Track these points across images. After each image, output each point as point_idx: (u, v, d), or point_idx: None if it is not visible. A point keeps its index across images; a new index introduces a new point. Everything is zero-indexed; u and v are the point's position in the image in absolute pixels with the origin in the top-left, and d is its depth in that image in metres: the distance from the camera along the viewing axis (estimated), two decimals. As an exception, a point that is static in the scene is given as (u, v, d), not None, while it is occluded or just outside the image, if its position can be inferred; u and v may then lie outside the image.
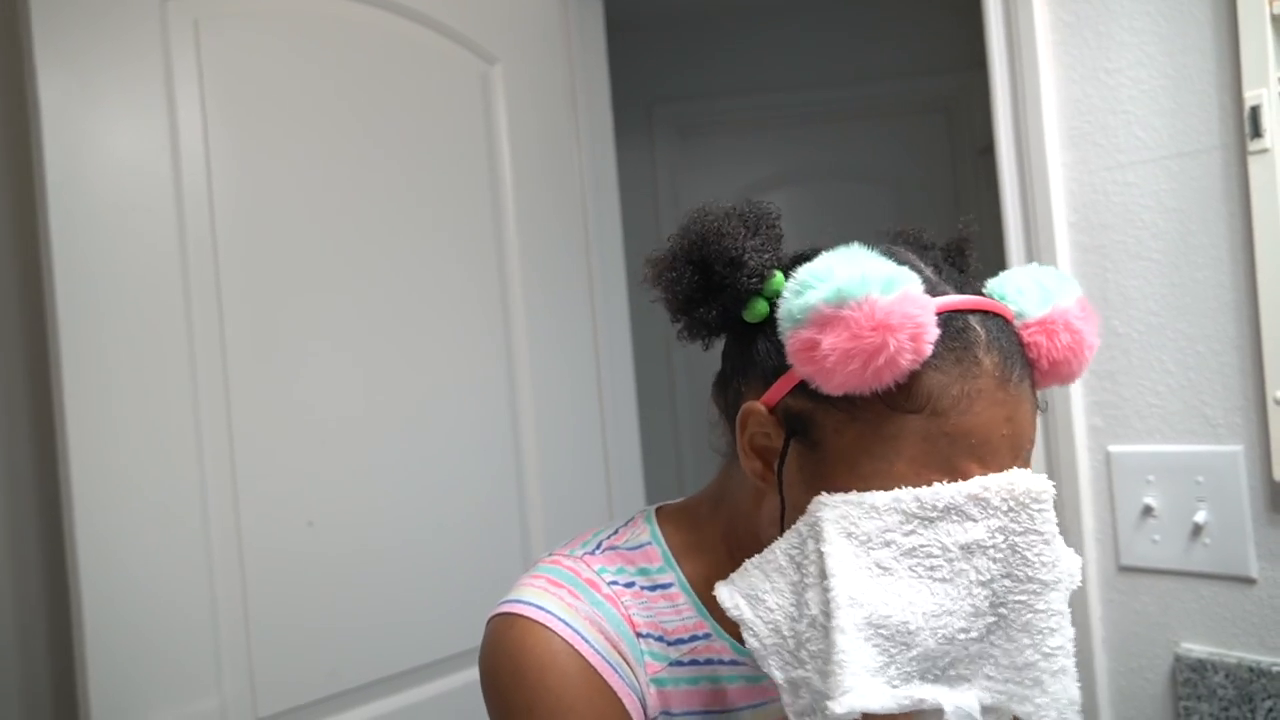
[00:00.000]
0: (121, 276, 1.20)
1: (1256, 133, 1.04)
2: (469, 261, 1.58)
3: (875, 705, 0.54)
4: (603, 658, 0.66)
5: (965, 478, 0.59)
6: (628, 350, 1.89)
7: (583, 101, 1.81)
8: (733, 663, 0.71)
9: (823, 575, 0.58)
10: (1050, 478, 1.20)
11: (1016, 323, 0.64)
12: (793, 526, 0.61)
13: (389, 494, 1.43)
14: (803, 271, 0.59)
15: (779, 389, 0.62)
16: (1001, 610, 0.57)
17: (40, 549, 1.26)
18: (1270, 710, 1.05)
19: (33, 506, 1.26)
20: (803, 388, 0.61)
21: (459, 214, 1.57)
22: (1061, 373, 0.65)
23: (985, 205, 2.63)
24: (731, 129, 2.94)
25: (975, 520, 0.58)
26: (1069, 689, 0.57)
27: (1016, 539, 0.58)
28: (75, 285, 1.16)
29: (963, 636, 0.57)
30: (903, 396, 0.58)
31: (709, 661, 0.71)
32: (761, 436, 0.64)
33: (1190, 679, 1.11)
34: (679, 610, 0.71)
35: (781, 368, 0.61)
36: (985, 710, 0.57)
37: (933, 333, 0.57)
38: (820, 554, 0.58)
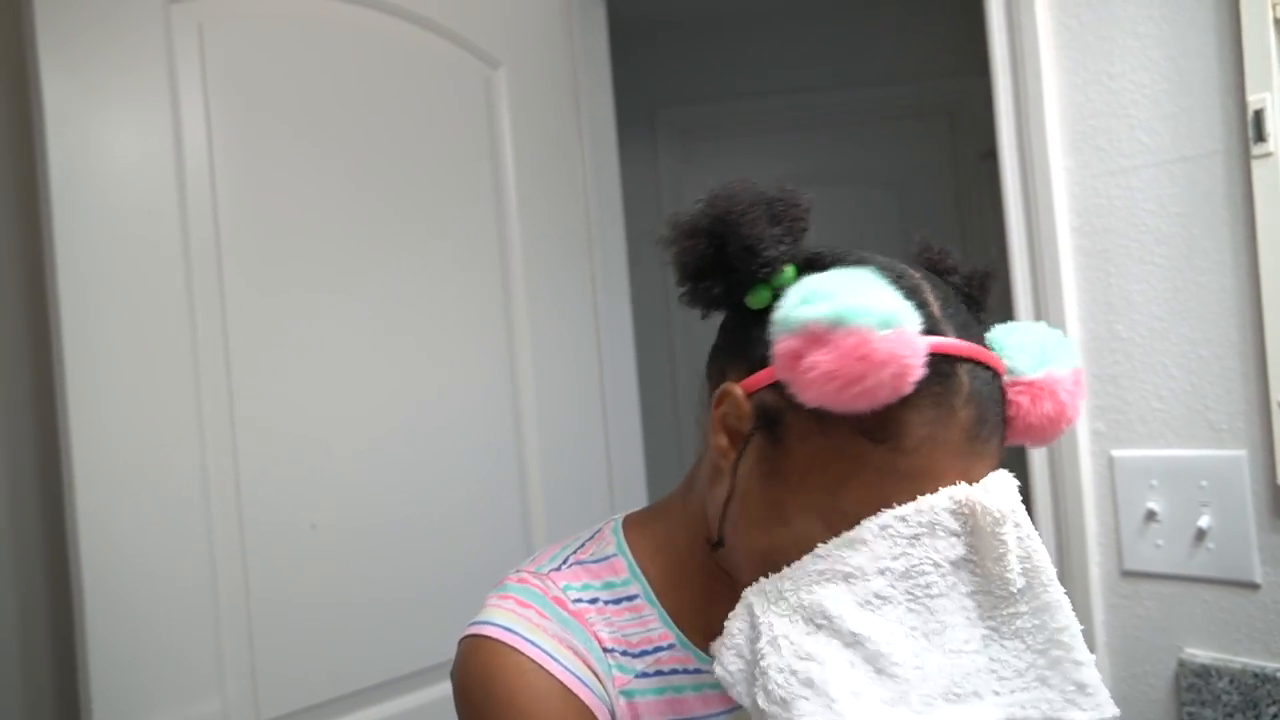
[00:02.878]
0: (125, 279, 1.20)
1: (1260, 137, 1.03)
2: (472, 264, 1.58)
3: None
4: (572, 673, 0.67)
5: None
6: (630, 352, 1.89)
7: (586, 105, 1.81)
8: (696, 671, 0.72)
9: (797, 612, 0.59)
10: (1053, 482, 1.21)
11: (1006, 378, 0.64)
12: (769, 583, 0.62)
13: (392, 496, 1.43)
14: (810, 281, 0.59)
15: (760, 379, 0.63)
16: (990, 623, 0.58)
17: (43, 550, 1.27)
18: (1275, 716, 1.05)
19: (36, 509, 1.27)
20: (781, 386, 0.61)
21: (462, 216, 1.57)
22: (1034, 437, 0.66)
23: (988, 209, 2.63)
24: (734, 133, 2.94)
25: (959, 535, 0.58)
26: (1072, 675, 0.57)
27: (991, 564, 0.58)
28: (78, 288, 1.16)
29: (966, 648, 0.58)
30: (873, 424, 0.58)
31: (674, 671, 0.71)
32: (733, 418, 0.64)
33: (1194, 684, 1.11)
34: (644, 621, 0.72)
35: (768, 360, 0.61)
36: None
37: (917, 374, 0.57)
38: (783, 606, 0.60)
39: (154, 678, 1.19)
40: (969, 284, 0.71)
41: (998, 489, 0.60)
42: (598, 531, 0.77)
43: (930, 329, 0.60)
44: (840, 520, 0.60)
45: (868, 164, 2.82)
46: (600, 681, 0.68)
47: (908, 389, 0.57)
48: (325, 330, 1.38)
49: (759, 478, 0.63)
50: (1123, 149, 1.15)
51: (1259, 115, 1.03)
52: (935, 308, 0.62)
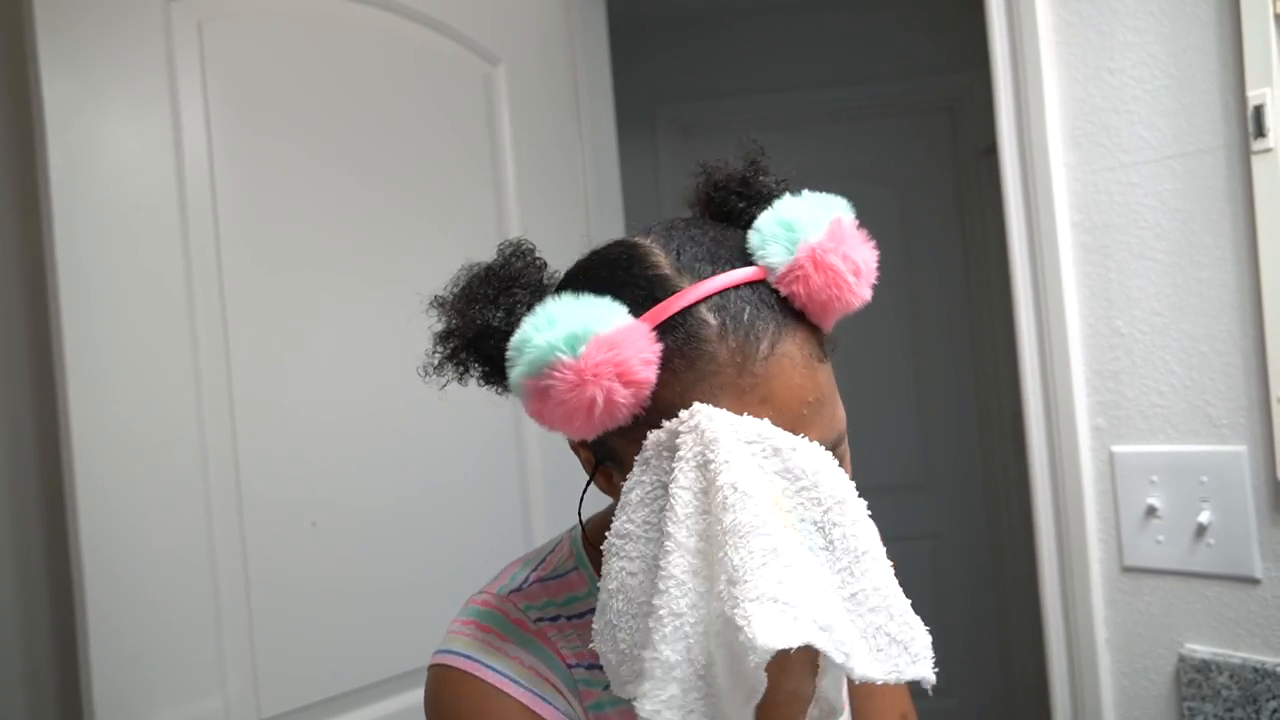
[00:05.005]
0: (124, 277, 1.20)
1: (1260, 132, 1.03)
2: (471, 260, 1.58)
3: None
4: (535, 694, 0.68)
5: None
6: (630, 350, 1.89)
7: (585, 102, 1.81)
8: None
9: None
10: (1053, 478, 1.21)
11: (770, 279, 0.61)
12: None
13: (392, 494, 1.43)
14: (511, 343, 0.60)
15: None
16: (704, 542, 0.56)
17: (44, 549, 1.27)
18: (1275, 711, 1.05)
19: (37, 508, 1.27)
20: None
21: (462, 212, 1.57)
22: (834, 309, 0.62)
23: (988, 205, 2.64)
24: (735, 129, 2.91)
25: (685, 459, 0.57)
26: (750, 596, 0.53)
27: (707, 485, 0.57)
28: (78, 286, 1.16)
29: (678, 572, 0.57)
30: (654, 414, 0.58)
31: None
32: (590, 467, 0.67)
33: (1194, 680, 1.11)
34: None
35: None
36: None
37: (643, 362, 0.56)
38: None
39: (156, 676, 1.19)
40: (744, 189, 0.69)
41: (720, 417, 0.57)
42: (558, 543, 0.78)
43: (662, 296, 0.59)
44: None
45: (868, 160, 2.82)
46: (567, 699, 0.69)
47: (644, 376, 0.56)
48: (325, 327, 1.38)
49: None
50: (1123, 145, 1.15)
51: (1259, 111, 1.03)
52: (667, 269, 0.61)
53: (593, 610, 0.70)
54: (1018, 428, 1.27)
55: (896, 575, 0.59)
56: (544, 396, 0.57)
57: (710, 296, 0.59)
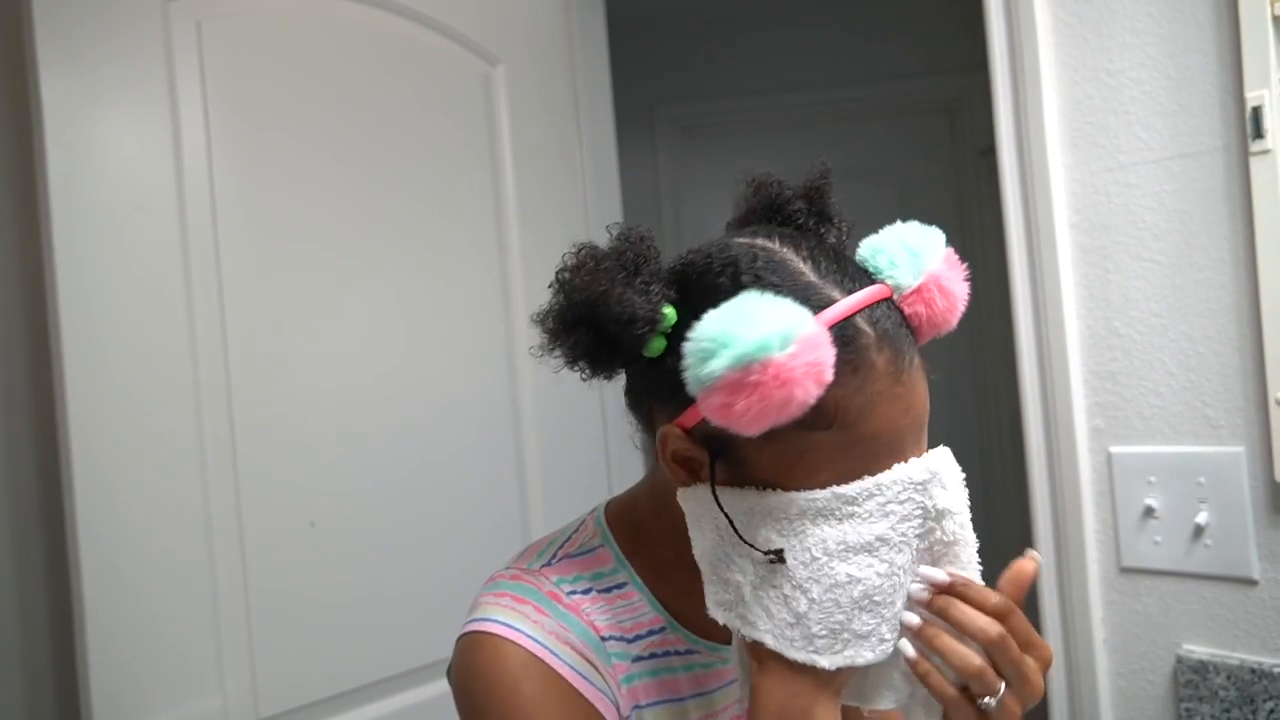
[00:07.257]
0: (123, 277, 1.20)
1: (1258, 133, 1.04)
2: (471, 261, 1.58)
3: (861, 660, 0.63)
4: (573, 669, 0.68)
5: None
6: (629, 351, 1.89)
7: (585, 102, 1.81)
8: (687, 653, 0.74)
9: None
10: (1051, 479, 1.21)
11: (896, 297, 0.65)
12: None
13: (391, 495, 1.43)
14: (701, 334, 0.59)
15: (692, 415, 0.63)
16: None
17: (42, 548, 1.27)
18: (1272, 712, 1.05)
19: (36, 508, 1.27)
20: None
21: (461, 213, 1.57)
22: (941, 329, 0.68)
23: (987, 206, 2.64)
24: (733, 130, 2.94)
25: (921, 509, 0.63)
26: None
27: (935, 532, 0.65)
28: (76, 286, 1.16)
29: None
30: (811, 417, 0.59)
31: (666, 654, 0.74)
32: (683, 452, 0.65)
33: (1192, 680, 1.11)
34: (634, 608, 0.73)
35: (688, 397, 0.61)
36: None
37: (831, 365, 0.57)
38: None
39: (154, 676, 1.19)
40: (810, 203, 0.74)
41: (953, 482, 0.64)
42: (582, 523, 0.79)
43: (818, 304, 0.61)
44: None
45: (867, 161, 2.82)
46: (601, 674, 0.70)
47: (829, 379, 0.57)
48: (323, 327, 1.38)
49: (738, 489, 0.64)
50: (1121, 146, 1.15)
51: (1257, 112, 1.03)
52: (811, 276, 0.63)
53: (619, 585, 0.74)
54: (1016, 428, 1.27)
55: None
56: (744, 391, 0.56)
57: (863, 308, 0.62)
